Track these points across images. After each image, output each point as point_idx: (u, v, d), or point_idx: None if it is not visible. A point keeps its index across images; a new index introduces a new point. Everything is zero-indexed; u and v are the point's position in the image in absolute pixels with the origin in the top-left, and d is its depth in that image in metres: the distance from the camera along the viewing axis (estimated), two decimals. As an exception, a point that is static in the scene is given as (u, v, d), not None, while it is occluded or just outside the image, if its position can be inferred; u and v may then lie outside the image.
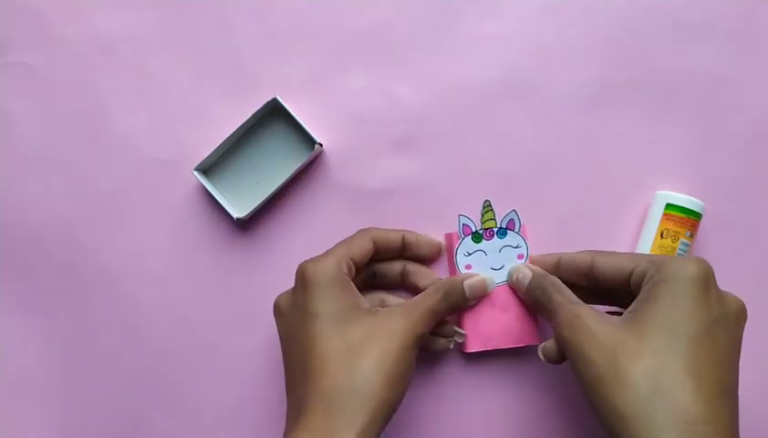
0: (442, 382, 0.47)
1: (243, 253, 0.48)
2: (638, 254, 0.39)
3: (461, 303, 0.42)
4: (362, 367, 0.35)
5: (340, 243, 0.41)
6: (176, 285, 0.48)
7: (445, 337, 0.44)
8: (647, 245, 0.45)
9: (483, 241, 0.44)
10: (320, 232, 0.48)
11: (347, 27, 0.48)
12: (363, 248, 0.41)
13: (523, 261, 0.44)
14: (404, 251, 0.45)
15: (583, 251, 0.41)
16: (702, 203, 0.45)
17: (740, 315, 0.36)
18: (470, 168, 0.48)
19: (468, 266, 0.44)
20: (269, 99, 0.45)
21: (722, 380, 0.33)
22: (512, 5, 0.48)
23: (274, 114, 0.47)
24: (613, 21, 0.48)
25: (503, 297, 0.44)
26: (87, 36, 0.49)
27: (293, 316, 0.39)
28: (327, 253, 0.40)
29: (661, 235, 0.45)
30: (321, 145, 0.46)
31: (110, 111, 0.49)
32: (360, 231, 0.43)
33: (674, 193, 0.45)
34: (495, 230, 0.44)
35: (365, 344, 0.36)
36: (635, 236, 0.47)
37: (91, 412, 0.48)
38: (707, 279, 0.35)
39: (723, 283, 0.47)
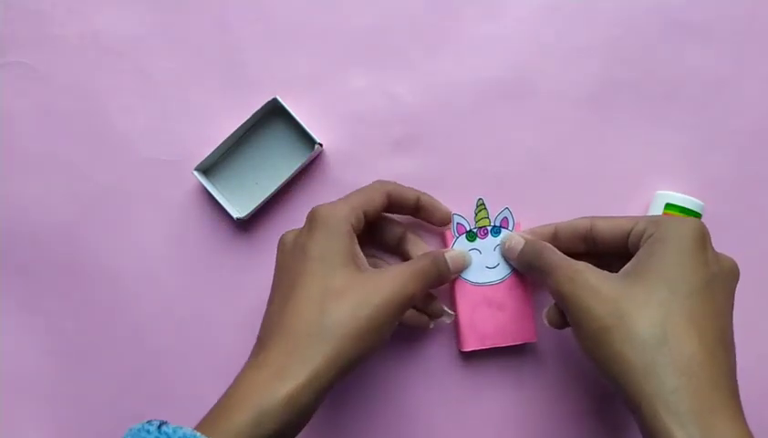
0: (440, 383, 0.47)
1: (243, 253, 0.48)
2: (635, 216, 0.39)
3: (445, 273, 0.42)
4: (333, 311, 0.35)
5: (356, 192, 0.41)
6: (176, 284, 0.48)
7: (432, 316, 0.44)
8: (646, 244, 0.45)
9: (478, 239, 0.44)
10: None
11: (347, 27, 0.48)
12: (377, 202, 0.41)
13: None
14: (416, 212, 0.44)
15: (581, 217, 0.41)
16: (702, 203, 0.45)
17: (734, 273, 0.37)
18: (469, 168, 0.48)
19: None
20: (269, 99, 0.45)
21: (722, 331, 0.34)
22: (512, 5, 0.48)
23: (274, 114, 0.47)
24: (613, 21, 0.48)
25: (500, 296, 0.44)
26: (87, 36, 0.49)
27: (292, 252, 0.39)
28: (342, 200, 0.40)
29: (661, 235, 0.45)
30: (321, 145, 0.46)
31: (110, 111, 0.48)
32: (377, 182, 0.43)
33: (673, 193, 0.45)
34: (489, 228, 0.44)
35: (346, 291, 0.36)
36: (635, 236, 0.47)
37: (91, 412, 0.48)
38: (704, 238, 0.35)
39: (723, 283, 0.47)
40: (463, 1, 0.48)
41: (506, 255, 0.44)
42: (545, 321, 0.41)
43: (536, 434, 0.47)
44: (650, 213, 0.46)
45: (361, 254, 0.40)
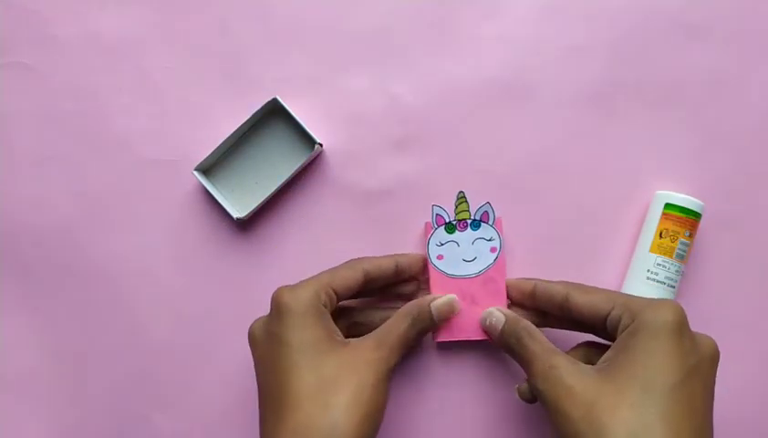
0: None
1: (243, 253, 0.48)
2: (614, 293, 0.38)
3: (429, 326, 0.41)
4: (337, 403, 0.35)
5: (325, 271, 0.40)
6: (176, 284, 0.48)
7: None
8: (646, 244, 0.45)
9: (456, 232, 0.44)
10: (320, 231, 0.48)
11: (347, 27, 0.48)
12: (349, 279, 0.40)
13: (495, 254, 0.44)
14: (397, 276, 0.43)
15: (559, 282, 0.41)
16: (702, 203, 0.45)
17: (713, 358, 0.35)
18: (469, 168, 0.48)
19: (440, 257, 0.44)
20: (269, 98, 0.45)
21: (699, 429, 0.33)
22: (512, 5, 0.48)
23: (274, 114, 0.47)
24: (613, 21, 0.48)
25: (475, 290, 0.44)
26: (87, 36, 0.49)
27: (267, 344, 0.38)
28: (308, 280, 0.39)
29: (660, 235, 0.45)
30: (321, 145, 0.46)
31: (110, 111, 0.49)
32: (350, 261, 0.42)
33: (673, 193, 0.45)
34: (469, 221, 0.44)
35: (339, 378, 0.35)
36: (635, 236, 0.47)
37: (91, 412, 0.48)
38: (681, 326, 0.34)
39: (723, 282, 0.47)
40: (463, 1, 0.48)
41: (486, 331, 0.43)
42: (516, 394, 0.41)
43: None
44: (650, 213, 0.46)
45: (336, 328, 0.39)
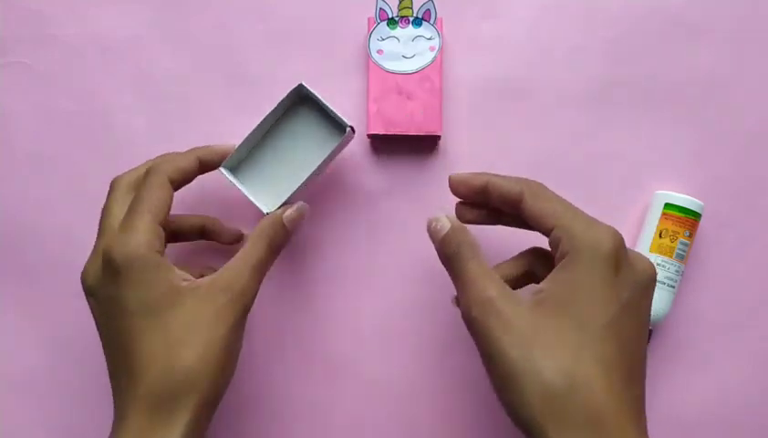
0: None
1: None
2: (564, 208, 0.36)
3: (284, 241, 0.39)
4: (184, 362, 0.33)
5: (139, 202, 0.37)
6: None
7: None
8: (646, 244, 0.45)
9: (398, 28, 0.45)
10: (320, 231, 0.48)
11: (346, 27, 0.48)
12: (165, 203, 0.37)
13: (434, 53, 0.45)
14: (202, 171, 0.42)
15: (517, 180, 0.38)
16: (701, 203, 0.45)
17: (648, 286, 0.34)
18: (469, 168, 0.48)
19: (380, 51, 0.45)
20: (280, 93, 0.42)
21: (631, 367, 0.33)
22: (512, 5, 0.48)
23: (297, 103, 0.44)
24: (613, 21, 0.48)
25: (411, 86, 0.45)
26: (87, 36, 0.49)
27: (106, 306, 0.35)
28: (132, 224, 0.35)
29: (660, 235, 0.45)
30: (353, 129, 0.42)
31: (110, 111, 0.48)
32: (153, 176, 0.38)
33: (673, 193, 0.45)
34: (411, 19, 0.45)
35: (187, 335, 0.33)
36: (634, 236, 0.47)
37: (91, 412, 0.48)
38: (617, 255, 0.33)
39: (723, 282, 0.47)
40: (463, 1, 0.48)
41: (430, 236, 0.39)
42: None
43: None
44: (649, 213, 0.46)
45: (176, 269, 0.36)
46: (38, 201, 0.48)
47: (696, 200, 0.45)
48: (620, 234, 0.34)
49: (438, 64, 0.45)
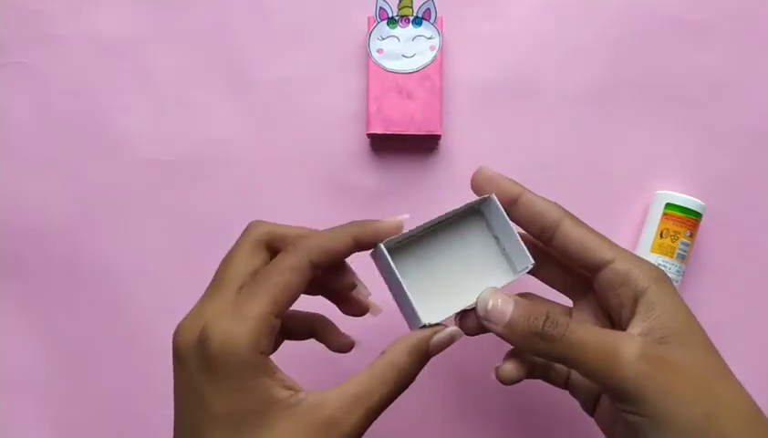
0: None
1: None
2: (609, 242, 0.33)
3: (415, 376, 0.32)
4: None
5: (264, 281, 0.30)
6: (176, 284, 0.48)
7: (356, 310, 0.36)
8: (647, 244, 0.45)
9: (398, 27, 0.45)
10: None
11: (346, 27, 0.48)
12: (293, 292, 0.30)
13: (434, 52, 0.45)
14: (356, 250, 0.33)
15: (552, 202, 0.35)
16: (703, 203, 0.45)
17: None
18: (469, 168, 0.48)
19: (380, 51, 0.45)
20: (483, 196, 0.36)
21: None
22: (512, 5, 0.48)
23: (477, 213, 0.37)
24: (613, 21, 0.48)
25: (411, 85, 0.45)
26: (86, 36, 0.49)
27: (189, 387, 0.30)
28: (243, 310, 0.29)
29: (661, 235, 0.45)
30: (534, 263, 0.35)
31: (110, 111, 0.48)
32: (291, 256, 0.31)
33: (674, 193, 0.45)
34: (411, 18, 0.45)
35: None
36: (635, 236, 0.47)
37: (91, 412, 0.48)
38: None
39: (725, 283, 0.47)
40: (463, 1, 0.48)
41: (485, 320, 0.33)
42: (497, 376, 0.35)
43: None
44: (650, 213, 0.46)
45: (278, 376, 0.29)
46: (38, 201, 0.48)
47: (697, 200, 0.45)
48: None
49: (438, 63, 0.45)
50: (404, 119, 0.45)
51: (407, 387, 0.31)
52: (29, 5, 0.49)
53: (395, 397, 0.31)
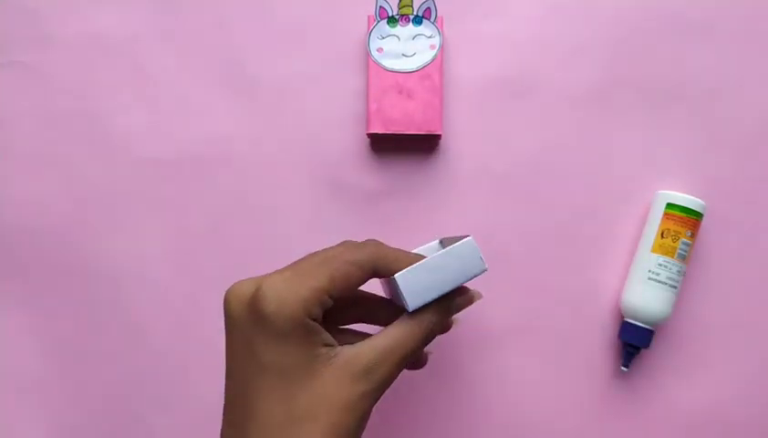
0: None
1: (244, 253, 0.48)
2: None
3: (442, 331, 0.37)
4: None
5: (322, 262, 0.33)
6: (175, 285, 0.48)
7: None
8: (647, 244, 0.45)
9: (398, 26, 0.45)
10: (320, 230, 0.48)
11: (346, 25, 0.48)
12: (352, 278, 0.33)
13: (434, 51, 0.45)
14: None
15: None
16: (703, 203, 0.45)
17: None
18: (469, 168, 0.48)
19: (380, 50, 0.45)
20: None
21: None
22: (512, 5, 0.48)
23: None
24: (613, 21, 0.48)
25: (411, 85, 0.45)
26: (86, 36, 0.49)
27: (241, 344, 0.32)
28: (301, 282, 0.32)
29: (662, 235, 0.45)
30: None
31: (110, 111, 0.49)
32: (359, 254, 0.34)
33: (675, 193, 0.45)
34: (411, 17, 0.45)
35: (310, 414, 0.31)
36: (636, 236, 0.47)
37: (91, 412, 0.48)
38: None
39: (725, 282, 0.47)
40: (463, 1, 0.48)
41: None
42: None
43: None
44: (651, 213, 0.46)
45: (323, 336, 0.32)
46: (38, 201, 0.48)
47: (698, 200, 0.45)
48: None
49: (438, 62, 0.45)
50: (404, 119, 0.45)
51: (431, 341, 0.35)
52: (29, 4, 0.49)
53: (421, 349, 0.34)
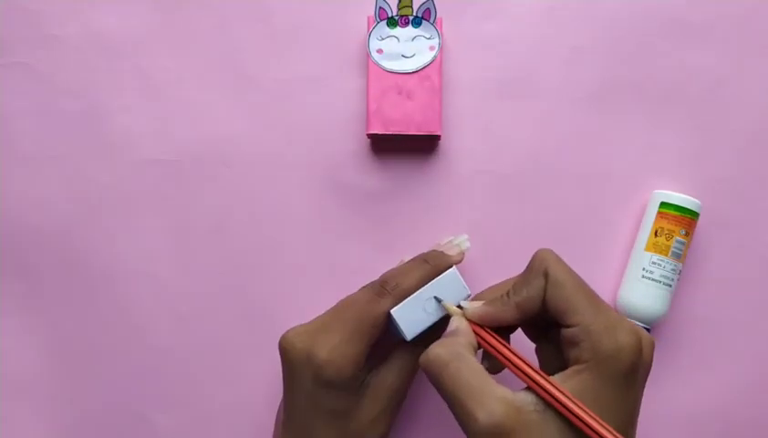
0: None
1: (245, 253, 0.48)
2: (586, 302, 0.34)
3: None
4: None
5: (356, 321, 0.39)
6: (176, 285, 0.48)
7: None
8: (642, 243, 0.46)
9: (398, 27, 0.45)
10: (319, 230, 0.48)
11: (345, 27, 0.48)
12: (380, 332, 0.39)
13: (434, 53, 0.45)
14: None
15: (533, 275, 0.36)
16: (698, 202, 0.46)
17: (644, 378, 0.34)
18: (470, 168, 0.48)
19: (379, 51, 0.45)
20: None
21: None
22: (512, 7, 0.48)
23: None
24: (613, 21, 0.48)
25: (411, 85, 0.45)
26: (87, 36, 0.48)
27: (302, 395, 0.39)
28: (348, 346, 0.38)
29: (656, 234, 0.45)
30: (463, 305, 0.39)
31: (110, 111, 0.48)
32: (375, 301, 0.39)
33: (669, 192, 0.46)
34: (410, 18, 0.45)
35: (362, 433, 0.39)
36: (633, 235, 0.48)
37: (91, 412, 0.48)
38: (635, 364, 0.33)
39: (724, 282, 0.48)
40: (463, 1, 0.48)
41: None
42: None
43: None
44: (647, 212, 0.46)
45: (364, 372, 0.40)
46: (38, 201, 0.48)
47: (693, 199, 0.45)
48: (641, 337, 0.33)
49: (438, 63, 0.45)
50: (404, 119, 0.45)
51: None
52: (30, 5, 0.48)
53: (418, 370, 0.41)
